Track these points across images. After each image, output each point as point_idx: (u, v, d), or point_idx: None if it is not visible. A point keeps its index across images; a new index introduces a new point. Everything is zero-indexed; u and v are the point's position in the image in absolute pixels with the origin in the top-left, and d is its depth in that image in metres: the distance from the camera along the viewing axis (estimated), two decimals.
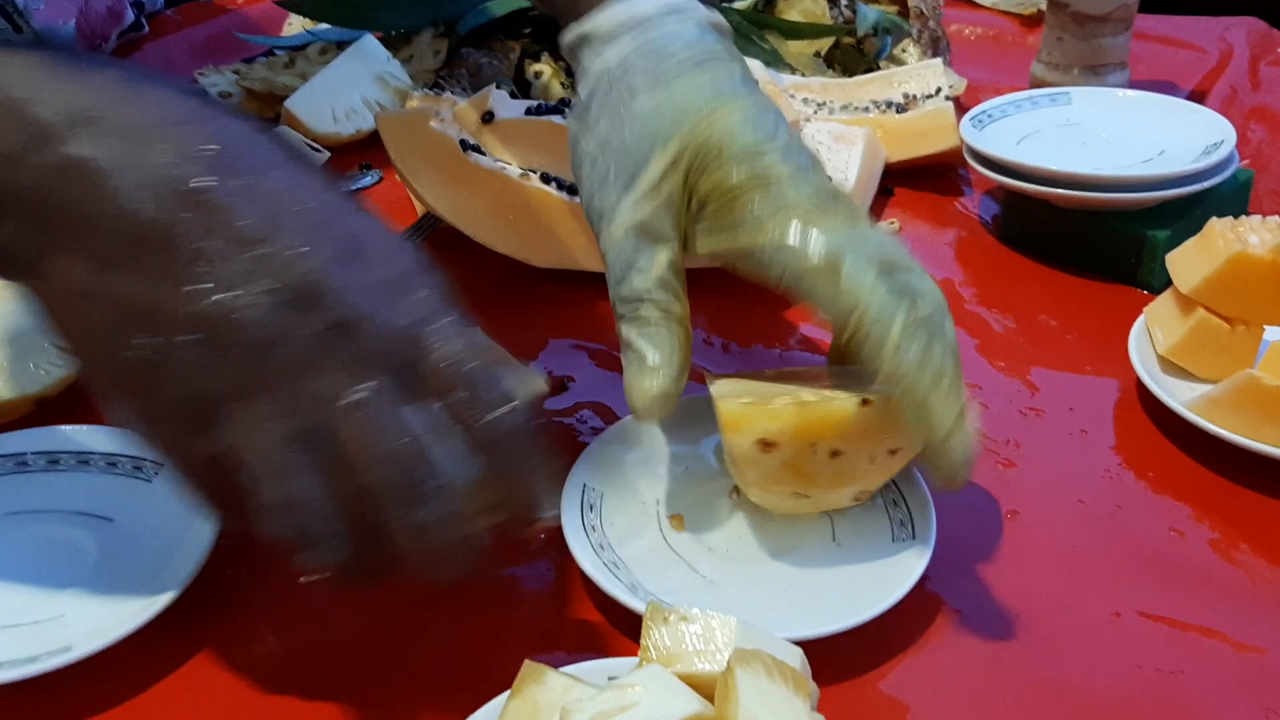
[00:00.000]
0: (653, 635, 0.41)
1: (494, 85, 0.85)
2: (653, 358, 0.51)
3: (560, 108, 0.82)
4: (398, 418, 0.41)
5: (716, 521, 0.56)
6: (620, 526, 0.56)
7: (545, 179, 0.77)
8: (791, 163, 0.51)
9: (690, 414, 0.60)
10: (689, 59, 0.54)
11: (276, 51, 1.10)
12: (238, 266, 0.40)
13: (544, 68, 1.04)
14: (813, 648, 0.42)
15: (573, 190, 0.77)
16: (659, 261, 0.52)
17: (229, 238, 0.40)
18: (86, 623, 0.51)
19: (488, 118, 0.80)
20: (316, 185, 0.43)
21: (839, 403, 0.49)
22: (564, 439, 0.63)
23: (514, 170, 0.77)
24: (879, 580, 0.51)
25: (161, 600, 0.51)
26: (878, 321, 0.48)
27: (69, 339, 0.42)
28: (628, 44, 0.55)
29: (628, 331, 0.52)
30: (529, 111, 0.81)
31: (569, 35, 0.57)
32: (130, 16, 1.13)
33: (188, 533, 0.54)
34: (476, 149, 0.78)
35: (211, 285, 0.39)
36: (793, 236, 0.49)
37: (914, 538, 0.53)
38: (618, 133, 0.53)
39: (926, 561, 0.52)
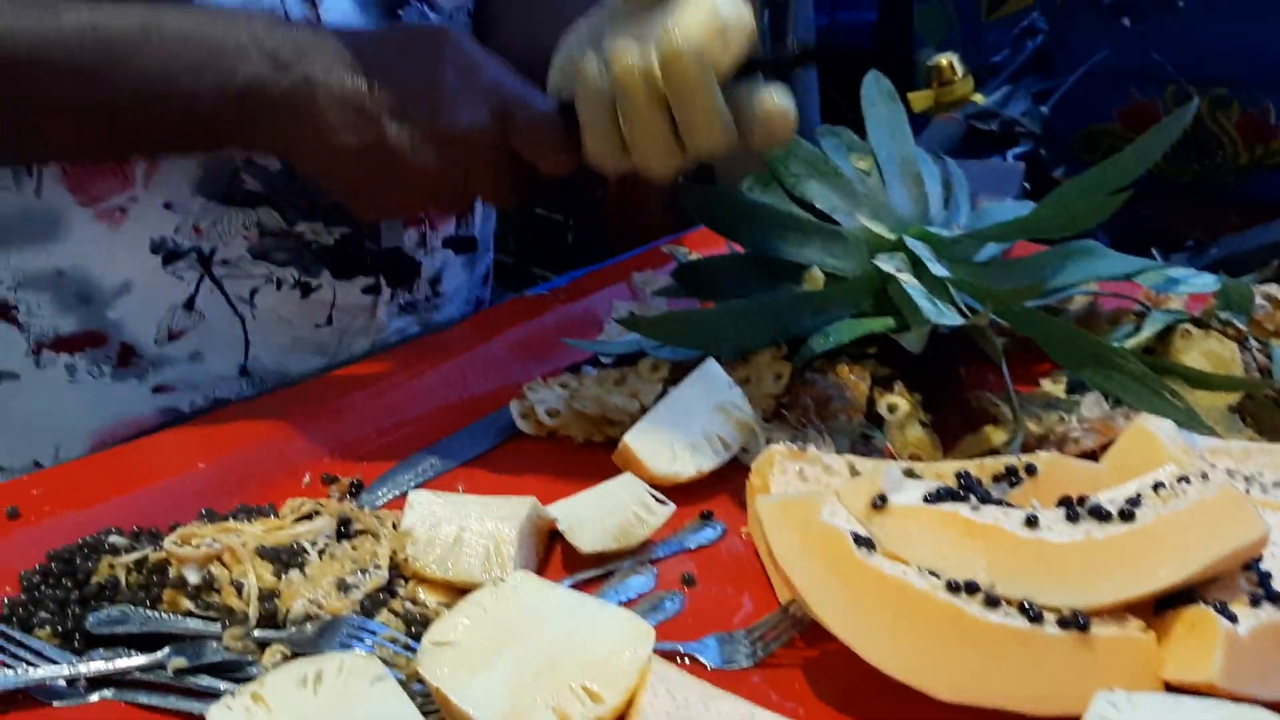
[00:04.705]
0: None
1: (887, 461, 0.73)
2: None
3: (965, 495, 0.69)
4: None
5: None
6: None
7: (952, 588, 0.64)
8: None
9: None
10: None
11: (602, 358, 1.03)
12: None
13: (899, 401, 0.92)
14: None
15: (992, 603, 0.63)
16: None
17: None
18: None
19: (879, 502, 0.68)
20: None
21: None
22: None
23: (917, 577, 0.64)
24: None
25: None
26: None
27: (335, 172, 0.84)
28: None
29: None
30: (928, 498, 0.69)
31: None
32: None
33: None
34: (868, 544, 0.66)
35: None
36: None
37: None
38: None
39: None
